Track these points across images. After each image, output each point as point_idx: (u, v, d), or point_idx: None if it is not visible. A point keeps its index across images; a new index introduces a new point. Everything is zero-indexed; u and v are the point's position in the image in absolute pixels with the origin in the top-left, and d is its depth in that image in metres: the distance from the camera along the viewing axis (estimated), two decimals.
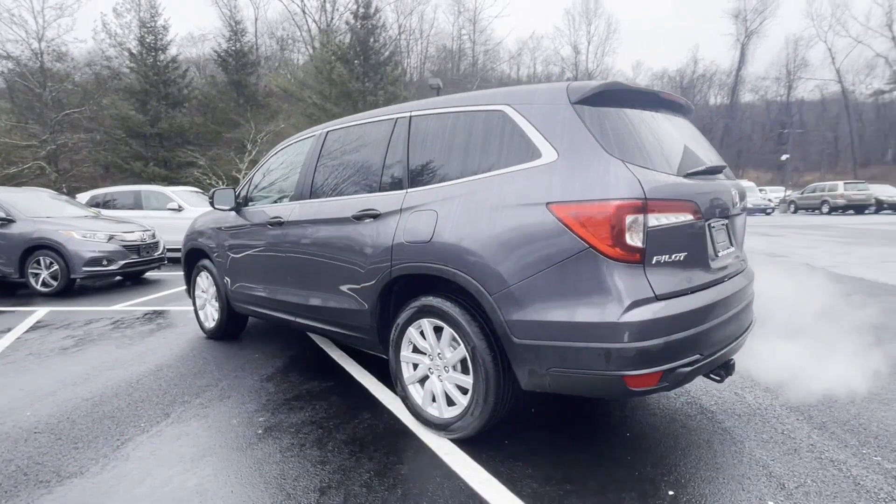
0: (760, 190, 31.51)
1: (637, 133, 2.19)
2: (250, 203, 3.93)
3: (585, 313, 1.97)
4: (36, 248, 6.84)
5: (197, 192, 11.97)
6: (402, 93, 28.32)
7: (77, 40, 32.39)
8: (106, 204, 10.47)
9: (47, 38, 24.59)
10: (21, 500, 2.05)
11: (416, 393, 2.64)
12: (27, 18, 28.81)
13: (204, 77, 33.76)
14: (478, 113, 2.46)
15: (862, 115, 53.77)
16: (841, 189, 25.50)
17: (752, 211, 24.07)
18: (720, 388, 3.04)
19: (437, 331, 2.50)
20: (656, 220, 1.99)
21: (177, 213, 10.07)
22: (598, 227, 1.94)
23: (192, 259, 4.64)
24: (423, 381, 2.62)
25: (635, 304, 1.93)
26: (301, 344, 4.23)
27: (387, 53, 28.46)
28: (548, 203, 2.06)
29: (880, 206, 25.15)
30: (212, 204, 3.94)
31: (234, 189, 3.94)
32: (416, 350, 2.63)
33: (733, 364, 2.40)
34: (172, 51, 27.61)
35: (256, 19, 47.53)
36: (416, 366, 2.64)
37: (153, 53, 26.23)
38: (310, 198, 3.29)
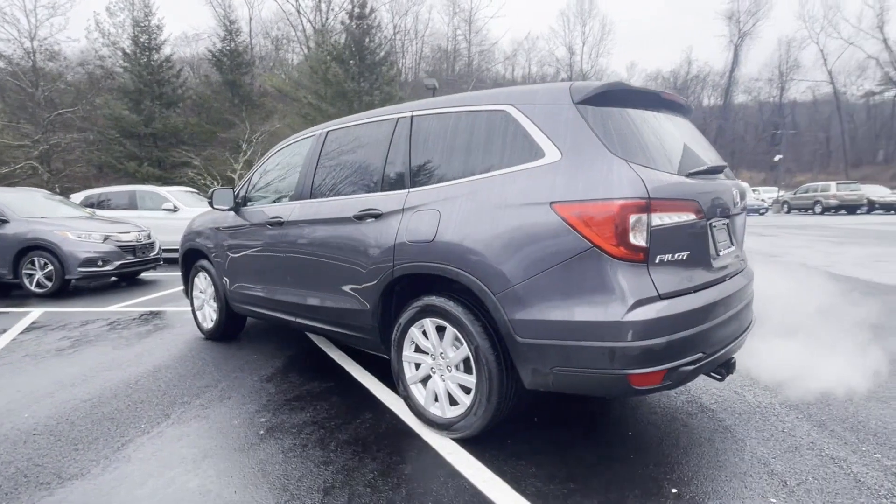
0: (754, 190, 31.74)
1: (639, 133, 2.20)
2: (249, 203, 3.92)
3: (589, 312, 1.98)
4: (30, 248, 6.78)
5: (192, 192, 11.91)
6: (398, 93, 28.31)
7: (70, 39, 32.21)
8: (100, 204, 10.40)
9: (40, 37, 24.41)
10: (22, 502, 2.03)
11: (418, 393, 2.64)
12: (19, 17, 28.50)
13: (198, 77, 33.55)
14: (480, 113, 2.47)
15: (853, 116, 54.27)
16: (833, 189, 25.72)
17: (747, 211, 24.25)
18: (720, 387, 3.06)
19: (440, 330, 2.50)
20: (659, 219, 2.00)
21: (172, 213, 10.02)
22: (603, 226, 1.95)
23: (189, 259, 4.62)
24: (425, 380, 2.62)
25: (639, 303, 1.94)
26: (300, 344, 4.22)
27: (382, 53, 28.46)
28: (552, 202, 2.07)
29: (872, 207, 25.38)
30: (211, 204, 3.92)
31: (232, 189, 3.92)
32: (418, 350, 2.63)
33: (734, 363, 2.42)
34: (166, 50, 27.47)
35: (251, 19, 47.35)
36: (418, 365, 2.63)
37: (147, 53, 26.06)
38: (310, 198, 3.28)
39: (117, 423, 2.74)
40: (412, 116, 2.78)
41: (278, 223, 3.42)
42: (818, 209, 25.92)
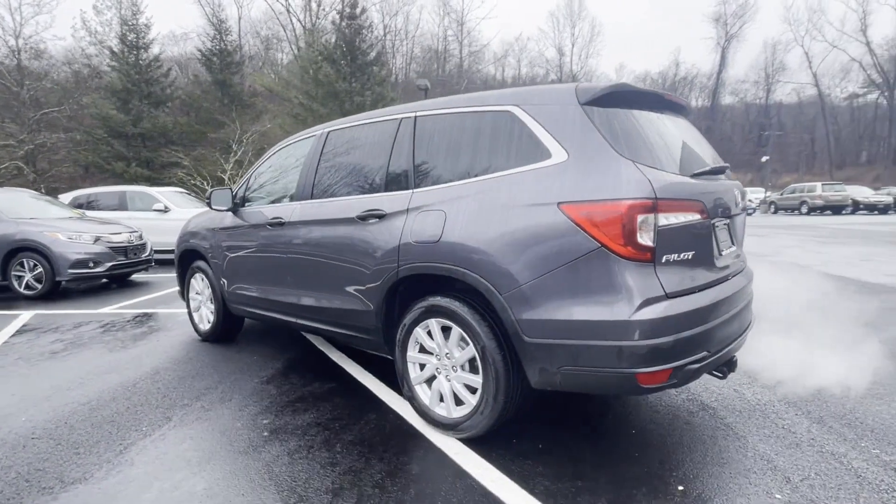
0: None
1: (645, 134, 2.22)
2: (247, 204, 3.89)
3: (597, 312, 1.99)
4: (19, 249, 6.67)
5: (183, 192, 11.78)
6: (390, 93, 28.27)
7: (56, 38, 31.86)
8: (89, 205, 10.25)
9: (25, 35, 24.06)
10: None
11: (423, 393, 2.64)
12: (4, 15, 28.14)
13: (187, 76, 33.25)
14: (485, 113, 2.48)
15: (837, 117, 55.18)
16: (819, 190, 26.14)
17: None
18: (720, 385, 3.10)
19: (445, 331, 2.50)
20: (666, 219, 2.02)
21: (163, 213, 9.91)
22: (610, 226, 1.97)
23: (185, 261, 4.57)
24: (430, 381, 2.62)
25: (647, 303, 1.96)
26: (298, 345, 4.20)
27: (374, 54, 28.40)
28: (559, 203, 2.08)
29: (856, 207, 25.83)
30: (209, 205, 3.89)
31: (231, 189, 3.89)
32: (422, 350, 2.63)
33: (735, 361, 2.46)
34: (155, 49, 27.16)
35: (240, 18, 46.97)
36: (422, 366, 2.63)
37: (135, 52, 25.74)
38: (311, 198, 3.26)
39: (118, 427, 2.71)
40: (416, 117, 2.78)
41: (279, 224, 3.40)
42: (804, 209, 26.32)
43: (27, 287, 6.65)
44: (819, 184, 27.03)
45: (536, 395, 2.41)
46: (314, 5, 42.22)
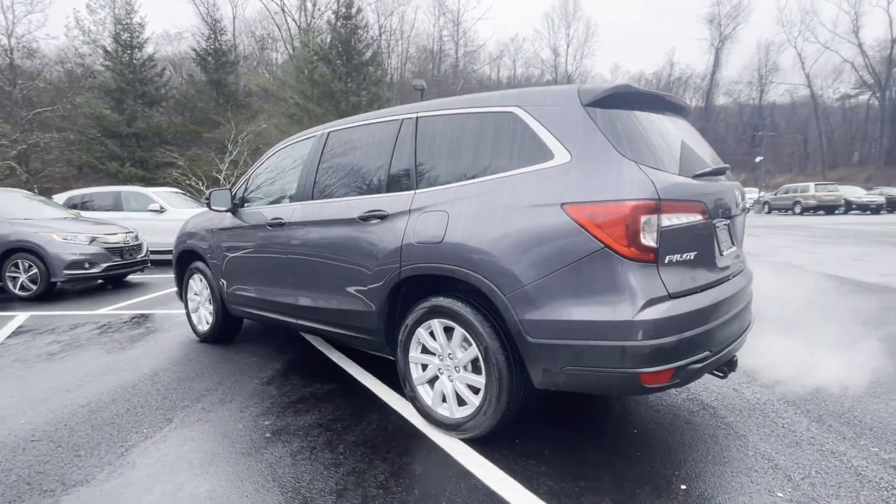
0: None
1: (646, 135, 2.23)
2: (247, 204, 3.88)
3: (601, 312, 2.00)
4: (14, 250, 6.62)
5: (178, 192, 11.72)
6: (385, 93, 28.24)
7: (49, 37, 31.52)
8: (84, 205, 10.18)
9: (17, 34, 23.87)
10: None
11: (425, 394, 2.64)
12: None
13: (181, 76, 33.09)
14: (487, 114, 2.48)
15: (830, 118, 55.64)
16: (812, 190, 26.33)
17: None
18: (719, 385, 3.12)
19: (447, 331, 2.51)
20: (668, 220, 2.04)
21: (158, 214, 9.87)
22: (614, 227, 1.98)
23: (183, 261, 4.55)
24: (432, 381, 2.62)
25: (650, 303, 1.97)
26: (298, 346, 4.19)
27: (369, 54, 28.37)
28: (562, 204, 2.09)
29: (849, 207, 26.05)
30: (208, 205, 3.88)
31: (230, 190, 3.88)
32: (425, 351, 2.63)
33: (736, 361, 2.47)
34: (149, 49, 27.01)
35: (234, 18, 46.87)
36: (425, 366, 2.64)
37: (129, 51, 25.60)
38: (312, 199, 3.26)
39: (118, 429, 2.70)
40: (417, 118, 2.78)
41: (279, 224, 3.39)
42: (798, 209, 26.51)
43: (22, 288, 6.60)
44: (812, 184, 27.23)
45: (540, 395, 2.42)
46: (309, 5, 42.18)
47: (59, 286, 6.97)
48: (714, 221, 2.31)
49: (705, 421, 2.68)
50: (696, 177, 2.27)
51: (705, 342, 2.13)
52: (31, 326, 5.11)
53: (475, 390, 2.42)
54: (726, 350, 2.30)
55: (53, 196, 10.85)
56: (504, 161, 2.35)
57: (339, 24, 27.34)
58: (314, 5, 41.75)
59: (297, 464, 2.30)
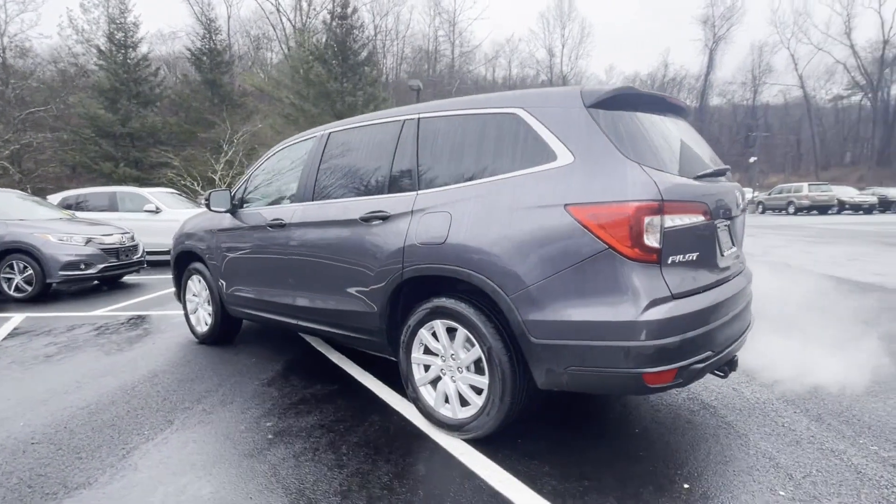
0: None
1: (649, 136, 2.25)
2: (246, 205, 3.87)
3: (605, 312, 2.01)
4: (8, 251, 6.57)
5: (174, 193, 11.66)
6: (381, 94, 28.22)
7: (42, 36, 31.16)
8: (78, 206, 10.11)
9: (9, 34, 23.70)
10: None
11: (427, 394, 2.64)
12: None
13: (175, 76, 32.93)
14: (490, 115, 2.49)
15: (822, 119, 56.06)
16: (806, 190, 26.53)
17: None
18: (719, 384, 3.13)
19: (450, 332, 2.51)
20: (671, 221, 2.05)
21: (154, 214, 9.81)
22: (617, 227, 1.99)
23: (182, 262, 4.53)
24: (434, 382, 2.63)
25: (654, 303, 1.98)
26: (297, 347, 4.18)
27: (365, 54, 28.34)
28: (566, 205, 2.10)
29: (842, 207, 26.27)
30: (207, 206, 3.86)
31: (229, 191, 3.86)
32: (427, 351, 2.63)
33: (736, 361, 2.49)
34: (143, 48, 26.88)
35: (229, 17, 46.65)
36: (427, 367, 2.64)
37: (123, 50, 25.47)
38: (312, 199, 3.25)
39: (119, 431, 2.68)
40: (419, 119, 2.78)
41: (279, 225, 3.39)
42: (791, 209, 26.69)
43: (17, 289, 6.55)
44: (806, 184, 27.44)
45: (543, 396, 2.42)
46: (304, 4, 42.09)
47: (54, 287, 6.92)
48: (715, 222, 2.33)
49: (706, 420, 2.70)
50: (698, 178, 2.29)
51: (707, 342, 2.14)
52: (27, 328, 5.07)
53: (478, 391, 2.42)
54: (728, 350, 2.32)
55: (48, 196, 10.76)
56: (507, 162, 2.36)
57: (334, 23, 27.28)
58: (309, 5, 41.70)
59: (300, 465, 2.30)
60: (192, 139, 25.59)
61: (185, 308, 4.55)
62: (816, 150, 53.58)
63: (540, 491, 2.06)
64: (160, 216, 9.76)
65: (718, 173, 2.50)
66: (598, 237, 2.02)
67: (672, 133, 2.46)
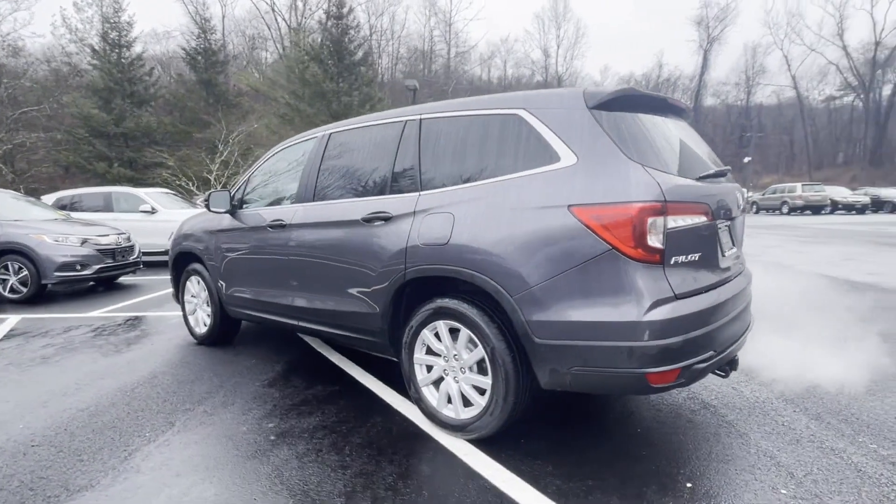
0: None
1: (651, 137, 2.26)
2: (246, 206, 3.86)
3: (609, 313, 2.02)
4: (3, 252, 6.51)
5: (169, 193, 11.61)
6: (377, 94, 28.19)
7: (35, 35, 30.79)
8: (73, 206, 10.04)
9: (2, 33, 23.44)
10: None
11: (430, 395, 2.65)
12: None
13: (169, 75, 32.76)
14: (492, 116, 2.49)
15: (815, 119, 56.45)
16: (799, 190, 26.73)
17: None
18: (718, 383, 3.15)
19: (453, 332, 2.51)
20: (674, 221, 2.06)
21: (150, 215, 9.76)
22: (621, 228, 2.00)
23: (180, 263, 4.51)
24: (437, 382, 2.63)
25: (657, 304, 1.99)
26: (296, 348, 4.17)
27: (361, 54, 28.31)
28: (569, 206, 2.11)
29: (835, 207, 26.47)
30: (207, 207, 3.85)
31: (229, 191, 3.85)
32: (430, 352, 2.63)
33: (737, 360, 2.51)
34: (137, 48, 26.72)
35: (224, 17, 46.44)
36: (430, 368, 2.64)
37: (117, 50, 25.31)
38: (313, 200, 3.25)
39: (120, 433, 2.67)
40: (421, 119, 2.79)
41: (280, 226, 3.38)
42: (785, 209, 26.88)
43: (12, 290, 6.50)
44: (799, 184, 27.64)
45: (547, 396, 2.43)
46: (300, 4, 41.98)
47: (49, 288, 6.88)
48: (717, 223, 2.34)
49: (707, 419, 2.72)
50: (700, 179, 2.30)
51: (710, 342, 2.16)
52: (24, 329, 5.04)
53: (481, 391, 2.43)
54: (729, 350, 2.33)
55: (41, 197, 10.69)
56: (509, 163, 2.37)
57: (329, 23, 27.23)
58: (305, 4, 41.60)
59: (303, 466, 2.30)
60: (187, 139, 25.46)
61: (183, 309, 4.53)
62: (809, 151, 53.99)
63: (544, 490, 2.07)
64: (156, 217, 9.72)
65: (720, 174, 2.51)
66: (602, 238, 2.03)
67: (673, 134, 2.48)
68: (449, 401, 2.57)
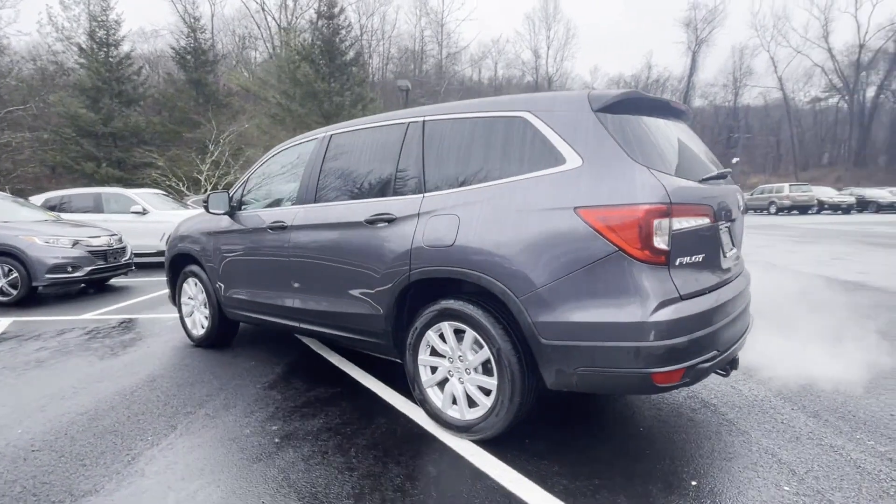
0: None
1: (655, 139, 2.29)
2: (244, 207, 3.84)
3: (615, 314, 2.05)
4: None
5: (160, 194, 11.49)
6: (369, 94, 28.11)
7: (20, 33, 30.44)
8: (62, 207, 9.91)
9: None
10: None
11: (434, 396, 2.65)
12: None
13: (157, 74, 32.41)
14: (497, 119, 2.51)
15: (801, 120, 57.25)
16: (787, 191, 27.08)
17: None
18: (717, 382, 3.20)
19: (457, 333, 2.52)
20: (679, 223, 2.09)
21: (141, 216, 9.66)
22: (627, 230, 2.02)
23: (177, 265, 4.47)
24: (441, 384, 2.64)
25: (663, 304, 2.02)
26: (295, 349, 4.16)
27: (352, 54, 28.22)
28: (576, 207, 2.13)
29: (821, 207, 26.87)
30: (206, 208, 3.82)
31: (228, 193, 3.83)
32: (434, 353, 2.64)
33: (738, 360, 2.55)
34: (125, 47, 26.40)
35: (213, 16, 46.06)
36: (434, 369, 2.65)
37: (105, 49, 25.00)
38: (314, 202, 3.24)
39: (122, 437, 2.65)
40: (424, 121, 2.79)
41: (280, 227, 3.37)
42: (773, 209, 27.22)
43: (1, 293, 6.40)
44: (787, 185, 28.01)
45: (552, 396, 2.45)
46: (290, 3, 41.75)
47: (40, 290, 6.78)
48: (718, 224, 2.38)
49: (707, 418, 2.75)
50: (702, 181, 2.34)
51: (713, 342, 2.19)
52: (16, 332, 4.96)
53: (486, 392, 2.44)
54: (731, 349, 2.37)
55: (30, 197, 10.53)
56: (514, 165, 2.38)
57: (321, 23, 27.12)
58: (295, 4, 41.38)
59: (310, 468, 2.29)
60: (176, 139, 25.21)
61: (180, 311, 4.49)
62: (796, 151, 54.73)
63: (551, 490, 2.09)
64: (147, 217, 9.63)
65: (721, 176, 2.55)
66: (608, 239, 2.05)
67: (675, 136, 2.51)
68: (454, 402, 2.58)
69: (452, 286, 2.57)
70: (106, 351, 4.24)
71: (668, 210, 2.04)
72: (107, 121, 23.94)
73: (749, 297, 2.79)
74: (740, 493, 2.04)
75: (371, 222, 2.81)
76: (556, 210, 2.17)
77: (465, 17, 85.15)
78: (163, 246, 9.34)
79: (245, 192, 3.86)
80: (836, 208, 26.93)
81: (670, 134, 2.46)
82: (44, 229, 6.82)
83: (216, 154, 21.55)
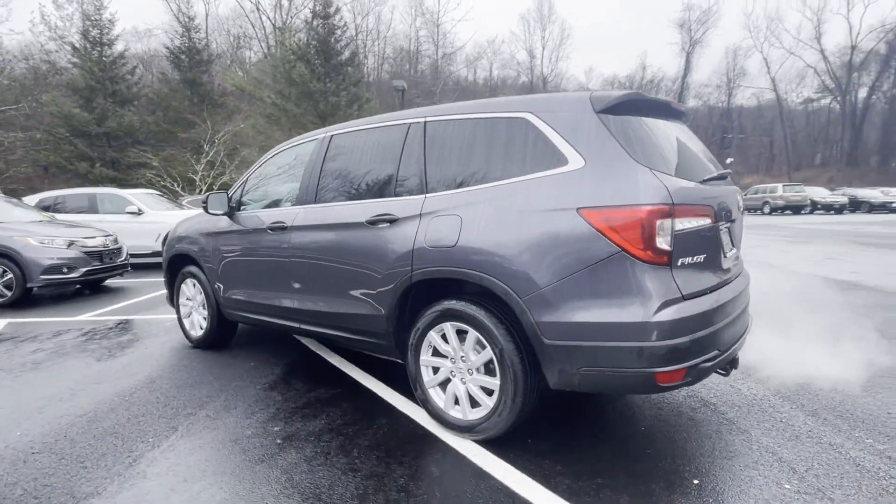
0: None
1: (656, 140, 2.30)
2: (244, 207, 3.83)
3: (618, 314, 2.06)
4: None
5: (155, 194, 11.44)
6: (364, 94, 28.07)
7: (12, 32, 30.12)
8: (56, 207, 9.83)
9: None
10: None
11: (437, 396, 2.65)
12: None
13: (151, 73, 32.22)
14: (498, 120, 2.51)
15: (794, 121, 57.63)
16: (780, 191, 27.28)
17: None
18: (716, 382, 3.22)
19: (460, 334, 2.53)
20: (681, 224, 2.10)
21: (136, 216, 9.61)
22: (630, 230, 2.04)
23: (175, 265, 4.45)
24: (444, 384, 2.64)
25: (665, 304, 2.03)
26: (294, 350, 4.15)
27: (348, 54, 28.17)
28: (578, 208, 2.14)
29: (814, 207, 27.07)
30: (205, 208, 3.81)
31: (227, 193, 3.82)
32: (436, 353, 2.64)
33: (738, 359, 2.56)
34: (119, 46, 26.22)
35: (207, 15, 45.82)
36: (436, 369, 2.65)
37: (98, 48, 24.80)
38: (315, 202, 3.24)
39: (122, 438, 2.63)
40: (425, 122, 2.80)
41: (280, 228, 3.36)
42: (767, 209, 27.39)
43: None
44: (780, 185, 28.22)
45: (552, 396, 2.46)
46: (285, 3, 41.63)
47: (35, 292, 6.73)
48: (719, 224, 2.39)
49: (707, 417, 2.77)
50: (703, 182, 2.35)
51: (714, 342, 2.20)
52: (11, 334, 4.93)
53: (489, 392, 2.45)
54: (732, 349, 2.39)
55: (23, 198, 10.44)
56: (517, 166, 2.39)
57: (316, 23, 27.05)
58: (290, 3, 41.26)
59: (313, 469, 2.29)
60: (171, 139, 25.04)
61: (178, 312, 4.47)
62: (789, 152, 55.09)
63: (555, 489, 2.10)
64: (142, 218, 9.58)
65: (721, 177, 2.57)
66: (611, 240, 2.06)
67: (675, 137, 2.52)
68: (456, 402, 2.58)
69: (454, 287, 2.58)
70: (103, 352, 4.22)
71: (671, 211, 2.05)
72: (100, 120, 23.74)
73: (748, 297, 2.81)
74: (742, 492, 2.06)
75: (373, 223, 2.81)
76: (559, 211, 2.18)
77: (462, 17, 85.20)
78: (158, 246, 9.30)
79: (244, 193, 3.85)
80: (828, 208, 27.14)
81: (671, 135, 2.48)
82: (39, 230, 6.78)
83: (211, 154, 21.46)
